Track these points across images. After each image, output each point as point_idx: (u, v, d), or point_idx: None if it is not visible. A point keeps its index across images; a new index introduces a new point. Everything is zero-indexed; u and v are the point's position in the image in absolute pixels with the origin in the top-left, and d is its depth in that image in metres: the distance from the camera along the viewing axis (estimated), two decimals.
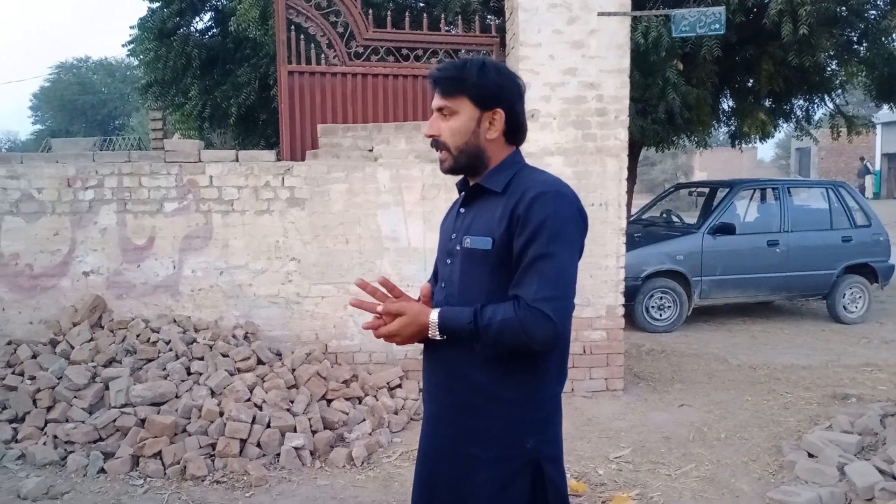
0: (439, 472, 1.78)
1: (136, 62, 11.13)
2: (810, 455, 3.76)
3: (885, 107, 10.84)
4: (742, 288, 7.76)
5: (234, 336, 4.73)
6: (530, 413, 1.70)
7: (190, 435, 3.81)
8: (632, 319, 7.01)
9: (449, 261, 1.79)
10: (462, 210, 1.82)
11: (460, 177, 1.87)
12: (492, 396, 1.68)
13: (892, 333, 7.30)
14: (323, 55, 5.72)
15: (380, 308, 1.72)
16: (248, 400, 4.06)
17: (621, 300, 5.19)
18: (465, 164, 1.75)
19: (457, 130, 1.73)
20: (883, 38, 8.57)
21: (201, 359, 4.40)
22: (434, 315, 1.65)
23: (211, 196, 5.15)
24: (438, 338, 1.66)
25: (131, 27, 9.85)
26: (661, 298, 7.48)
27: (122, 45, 11.58)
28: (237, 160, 5.20)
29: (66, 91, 37.59)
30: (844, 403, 4.87)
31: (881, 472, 3.29)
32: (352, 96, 5.79)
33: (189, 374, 4.28)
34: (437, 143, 1.75)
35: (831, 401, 4.96)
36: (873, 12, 8.74)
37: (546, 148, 5.07)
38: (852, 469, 3.36)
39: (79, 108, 37.18)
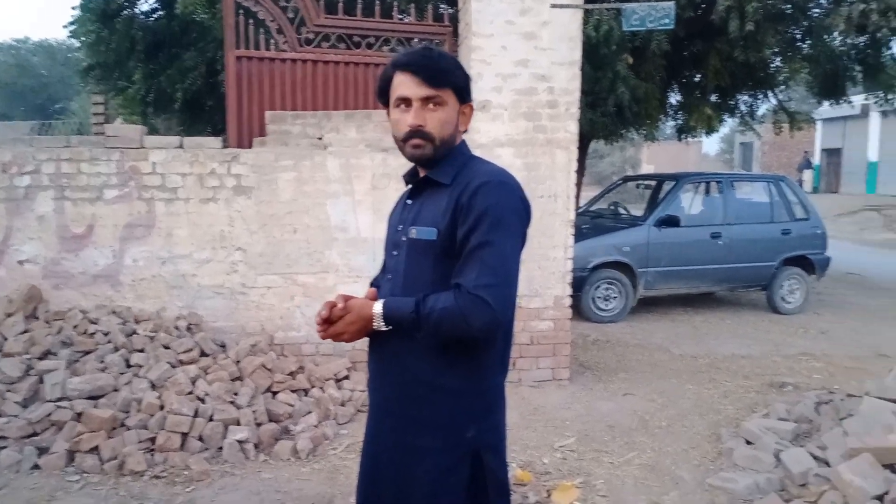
0: (382, 462, 1.79)
1: (78, 44, 10.76)
2: (748, 442, 3.87)
3: (826, 103, 11.18)
4: (686, 279, 7.94)
5: (176, 327, 4.63)
6: (472, 402, 1.71)
7: (129, 429, 3.71)
8: (578, 310, 7.11)
9: (395, 252, 1.79)
10: (409, 201, 1.82)
11: (409, 167, 1.86)
12: (435, 386, 1.69)
13: (829, 324, 7.57)
14: (272, 41, 5.60)
15: (323, 311, 1.69)
16: (191, 393, 3.98)
17: (568, 291, 5.25)
18: (442, 155, 1.74)
19: (445, 121, 1.72)
20: (825, 36, 8.83)
21: (142, 351, 4.29)
22: (378, 306, 1.65)
23: (154, 183, 5.01)
24: (383, 328, 1.65)
25: (73, 8, 9.50)
26: (608, 289, 7.60)
27: (64, 27, 11.18)
28: (182, 147, 5.07)
29: (4, 73, 36.07)
30: (781, 392, 5.03)
31: (815, 458, 3.41)
32: (301, 83, 5.70)
33: (129, 366, 4.17)
34: (419, 134, 1.70)
35: (769, 389, 5.12)
36: (816, 10, 9.00)
37: (497, 139, 5.08)
38: (788, 456, 3.47)
39: (17, 91, 35.73)
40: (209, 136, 6.82)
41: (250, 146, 5.25)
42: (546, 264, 5.09)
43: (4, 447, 3.61)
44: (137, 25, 9.59)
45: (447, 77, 1.70)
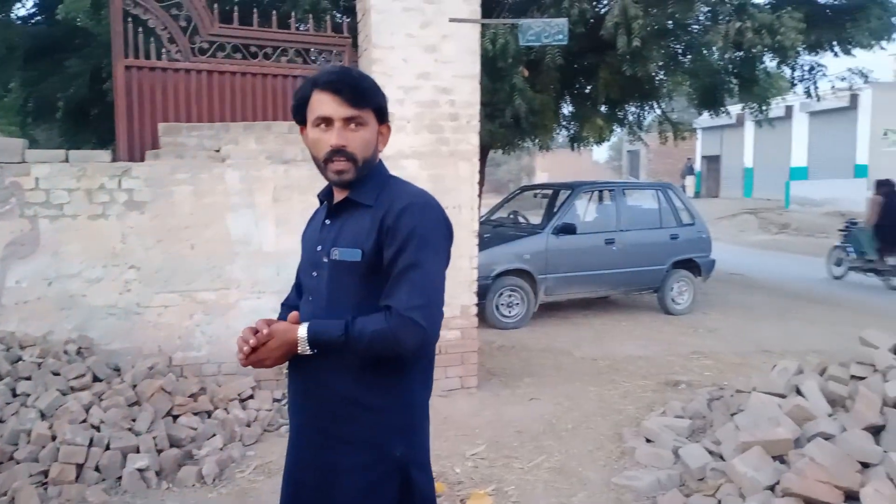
0: (306, 482, 1.77)
1: None
2: (648, 440, 4.06)
3: (706, 113, 11.91)
4: (583, 284, 8.23)
5: (66, 352, 4.35)
6: (398, 419, 1.72)
7: (18, 462, 3.46)
8: (483, 317, 7.22)
9: (315, 273, 1.77)
10: (328, 221, 1.80)
11: (315, 180, 1.84)
12: (360, 405, 1.69)
13: (716, 322, 8.05)
14: (164, 50, 5.40)
15: (252, 341, 1.64)
16: (85, 421, 3.75)
17: (475, 300, 5.34)
18: (363, 175, 1.73)
19: (368, 142, 1.72)
20: (705, 51, 9.41)
21: (28, 378, 4.01)
22: (303, 330, 1.63)
23: (37, 199, 4.71)
24: (309, 352, 1.63)
25: None
26: (510, 296, 7.78)
27: None
28: (67, 160, 4.79)
29: None
30: (676, 390, 5.30)
31: (710, 453, 3.61)
32: (196, 94, 5.53)
33: (15, 395, 3.89)
34: (342, 154, 1.68)
35: (665, 388, 5.38)
36: (696, 27, 9.58)
37: (401, 151, 5.10)
38: (685, 452, 3.67)
39: None
40: (94, 148, 6.50)
41: (142, 159, 5.04)
42: (453, 274, 5.11)
43: None
44: (15, 30, 8.98)
45: (369, 97, 1.71)
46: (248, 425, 4.30)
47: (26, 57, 9.16)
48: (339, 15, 9.22)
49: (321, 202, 1.89)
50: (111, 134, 10.09)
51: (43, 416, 3.75)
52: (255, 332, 1.66)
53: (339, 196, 1.79)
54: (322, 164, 1.72)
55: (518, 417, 4.73)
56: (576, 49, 9.04)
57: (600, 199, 9.37)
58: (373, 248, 1.65)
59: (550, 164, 33.14)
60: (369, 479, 1.69)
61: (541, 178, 33.72)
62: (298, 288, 1.95)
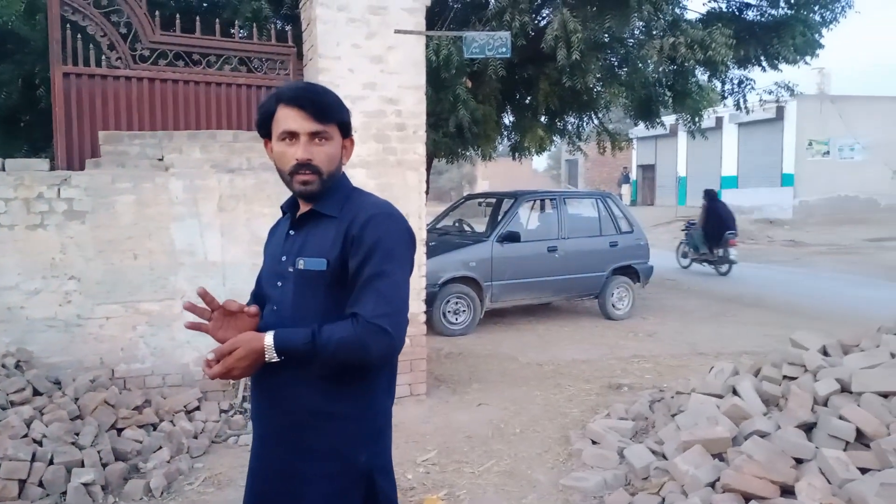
0: (269, 491, 1.79)
1: None
2: (594, 442, 4.19)
3: (641, 124, 12.30)
4: (528, 291, 8.40)
5: (3, 365, 4.22)
6: (363, 427, 1.76)
7: None
8: (430, 324, 7.29)
9: (280, 283, 1.79)
10: (292, 232, 1.83)
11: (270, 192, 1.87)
12: (325, 414, 1.72)
13: (654, 326, 8.32)
14: (104, 57, 5.30)
15: (209, 355, 1.67)
16: (26, 436, 3.65)
17: (423, 307, 5.39)
18: (328, 189, 1.77)
19: (332, 156, 1.76)
20: (640, 64, 9.75)
21: None
22: (269, 338, 1.64)
23: None
24: (275, 360, 1.64)
25: None
26: (457, 303, 7.87)
27: None
28: (3, 169, 4.65)
29: None
30: (619, 392, 5.47)
31: (654, 452, 3.75)
32: (138, 102, 5.44)
33: None
34: (307, 168, 1.72)
35: (608, 391, 5.54)
36: (632, 41, 9.91)
37: (349, 161, 5.12)
38: (630, 452, 3.80)
39: None
40: (27, 156, 6.30)
41: (82, 168, 4.93)
42: None
43: None
44: None
45: (333, 113, 1.75)
46: (196, 437, 4.25)
47: None
48: (280, 23, 9.19)
49: (284, 213, 1.93)
50: (44, 141, 9.81)
51: None
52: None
53: (303, 208, 1.82)
54: (288, 177, 1.76)
55: (467, 423, 4.80)
56: (516, 61, 9.24)
57: (542, 207, 9.58)
58: (338, 258, 1.70)
59: (492, 172, 33.51)
60: (334, 487, 1.72)
61: (482, 186, 34.06)
62: (257, 298, 1.96)
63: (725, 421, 3.66)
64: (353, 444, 1.73)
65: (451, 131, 9.08)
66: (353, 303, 1.66)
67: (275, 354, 1.64)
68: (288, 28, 8.56)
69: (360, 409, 1.75)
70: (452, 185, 35.50)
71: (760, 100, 11.41)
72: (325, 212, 1.77)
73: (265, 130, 1.80)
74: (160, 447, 3.99)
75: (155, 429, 4.19)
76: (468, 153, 12.95)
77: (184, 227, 4.98)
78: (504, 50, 5.74)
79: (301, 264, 1.74)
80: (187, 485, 3.76)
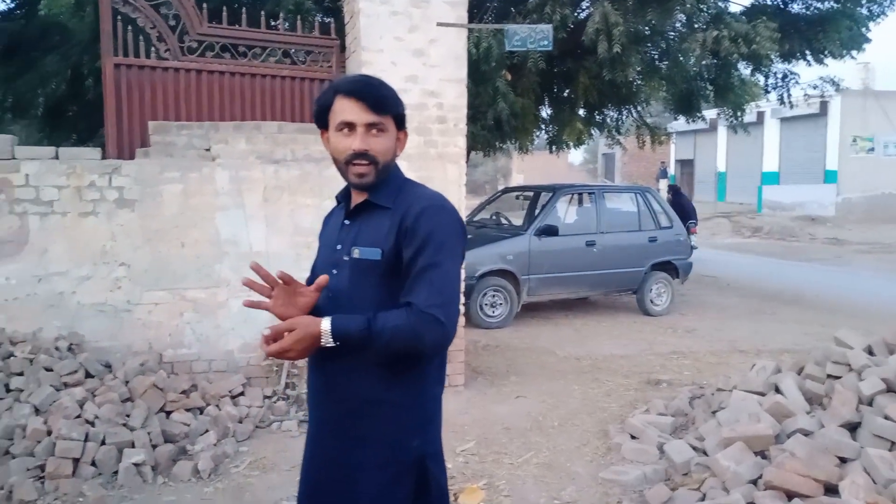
0: (324, 477, 1.83)
1: None
2: (633, 437, 4.18)
3: (682, 118, 12.14)
4: (565, 285, 8.37)
5: (57, 348, 4.36)
6: (415, 415, 1.79)
7: (14, 457, 3.48)
8: (467, 317, 7.32)
9: (335, 271, 1.83)
10: (346, 222, 1.87)
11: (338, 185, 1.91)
12: (377, 401, 1.75)
13: (693, 323, 8.23)
14: (153, 49, 5.41)
15: (266, 331, 1.72)
16: (79, 416, 3.77)
17: (462, 299, 5.42)
18: (382, 179, 1.80)
19: (388, 148, 1.80)
20: (681, 58, 9.62)
21: (21, 374, 4.02)
22: (326, 323, 1.67)
23: (26, 196, 4.70)
24: (331, 345, 1.68)
25: None
26: (494, 296, 7.88)
27: None
28: (57, 158, 4.79)
29: None
30: (657, 388, 5.44)
31: (694, 448, 3.74)
32: (185, 93, 5.54)
33: (8, 391, 3.90)
34: (364, 158, 1.76)
35: (646, 386, 5.52)
36: (673, 34, 9.78)
37: None
38: (670, 447, 3.79)
39: None
40: (73, 145, 6.46)
41: (131, 157, 5.04)
42: None
43: None
44: None
45: (390, 105, 1.79)
46: (241, 422, 4.34)
47: (2, 54, 9.05)
48: (322, 16, 9.26)
49: (338, 202, 1.96)
50: (90, 131, 10.05)
51: (37, 411, 3.76)
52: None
53: (357, 198, 1.86)
54: (344, 167, 1.80)
55: (505, 415, 4.83)
56: (556, 54, 9.19)
57: (581, 201, 9.53)
58: (392, 248, 1.73)
59: (527, 166, 33.35)
60: (387, 475, 1.75)
61: (517, 180, 33.91)
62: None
63: (768, 418, 3.63)
64: (404, 432, 1.77)
65: (490, 124, 9.07)
66: (406, 292, 1.69)
67: (331, 339, 1.67)
68: (330, 21, 8.64)
69: (412, 397, 1.78)
70: (487, 178, 35.43)
71: (805, 95, 11.18)
72: (379, 202, 1.80)
73: (322, 121, 1.84)
74: (206, 431, 4.09)
75: (201, 413, 4.29)
76: (505, 146, 12.94)
77: (229, 216, 5.07)
78: (546, 43, 5.72)
79: (356, 253, 1.78)
80: (233, 468, 3.85)
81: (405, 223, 1.73)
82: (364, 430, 1.76)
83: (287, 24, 6.25)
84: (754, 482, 3.23)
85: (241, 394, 4.66)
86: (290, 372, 4.85)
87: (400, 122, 1.85)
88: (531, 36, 5.78)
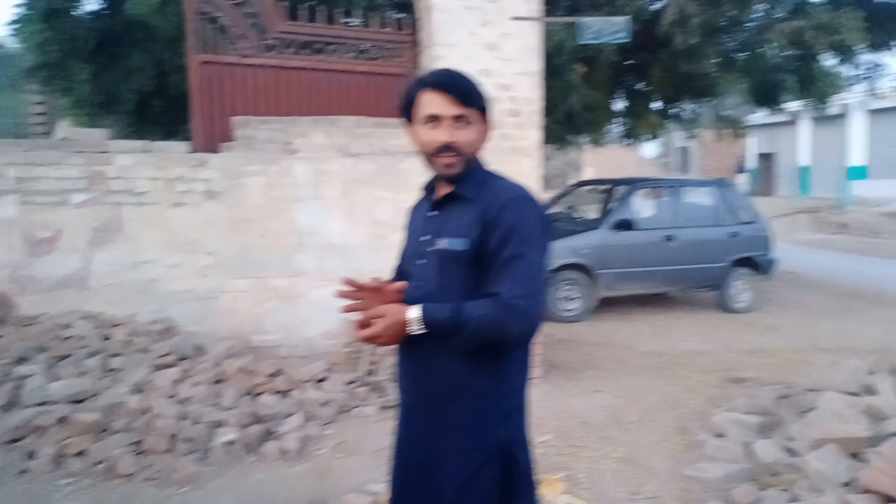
0: (412, 461, 1.87)
1: (22, 44, 10.42)
2: (716, 434, 4.08)
3: (760, 110, 11.73)
4: (642, 280, 8.22)
5: (150, 332, 4.57)
6: (499, 402, 1.82)
7: (114, 433, 3.67)
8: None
9: (424, 261, 1.87)
10: (432, 213, 1.90)
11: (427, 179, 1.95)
12: (463, 388, 1.79)
13: (776, 320, 7.96)
14: (233, 46, 5.58)
15: (358, 317, 1.78)
16: (173, 396, 3.96)
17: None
18: (467, 171, 1.84)
19: (474, 140, 1.84)
20: (760, 49, 9.30)
21: (118, 355, 4.23)
22: (416, 311, 1.73)
23: (120, 188, 4.93)
24: (419, 331, 1.73)
25: (17, 6, 9.17)
26: (569, 290, 7.82)
27: (7, 25, 10.77)
28: (147, 151, 5.01)
29: None
30: (740, 386, 5.28)
31: (783, 448, 3.62)
32: (265, 89, 5.70)
33: (108, 371, 4.11)
34: (449, 150, 1.79)
35: (727, 384, 5.37)
36: (751, 24, 9.47)
37: None
38: (758, 447, 3.67)
39: None
40: (158, 139, 6.73)
41: (215, 151, 5.22)
42: None
43: None
44: (84, 25, 9.32)
45: (475, 97, 1.82)
46: (324, 406, 4.45)
47: (91, 52, 9.48)
48: (394, 12, 9.36)
49: (424, 193, 2.00)
50: (174, 126, 10.44)
51: (135, 390, 3.95)
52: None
53: (442, 189, 1.89)
54: (430, 159, 1.84)
55: (582, 409, 4.79)
56: (629, 46, 9.03)
57: (658, 195, 9.31)
58: (477, 239, 1.76)
59: (598, 159, 32.86)
60: (474, 461, 1.78)
61: (588, 173, 33.47)
62: (399, 273, 2.05)
63: (862, 420, 3.49)
64: (489, 420, 1.80)
65: (561, 117, 8.99)
66: (492, 282, 1.72)
67: (419, 326, 1.72)
68: (402, 16, 8.73)
69: (497, 385, 1.81)
70: (556, 171, 35.08)
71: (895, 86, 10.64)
72: (463, 193, 1.83)
73: (407, 114, 1.88)
74: (291, 413, 4.21)
75: (286, 396, 4.41)
76: (576, 140, 12.81)
77: (308, 208, 5.20)
78: (622, 35, 5.64)
79: (442, 244, 1.81)
80: (318, 450, 3.96)
81: (489, 214, 1.75)
82: (450, 416, 1.80)
83: (359, 20, 6.36)
84: (847, 484, 3.11)
85: (323, 379, 4.77)
86: (370, 359, 4.93)
87: (485, 115, 1.87)
88: (606, 28, 5.71)
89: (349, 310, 1.87)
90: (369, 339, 1.78)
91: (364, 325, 1.79)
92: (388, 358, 4.88)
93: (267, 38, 5.66)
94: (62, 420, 3.68)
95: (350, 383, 4.75)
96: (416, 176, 5.19)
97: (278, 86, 5.73)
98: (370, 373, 4.85)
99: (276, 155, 5.17)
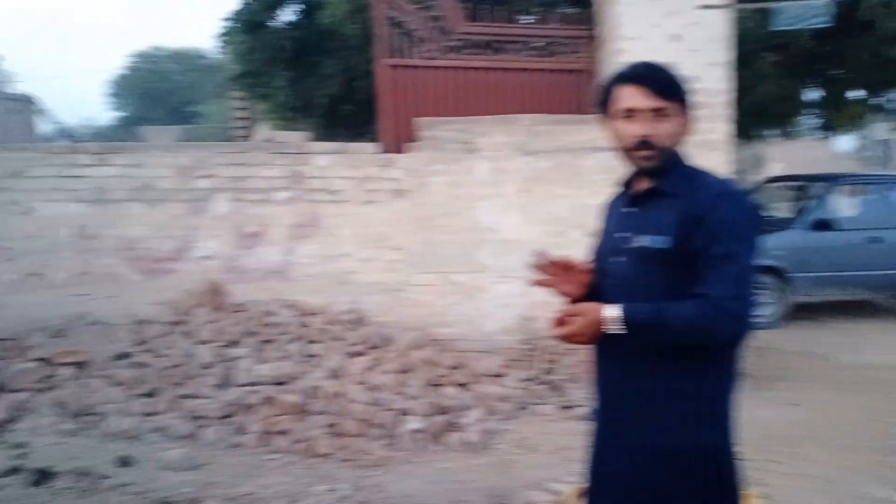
0: (610, 462, 1.84)
1: (218, 52, 11.60)
2: None
3: None
4: (843, 285, 7.53)
5: (344, 321, 4.89)
6: (704, 406, 1.74)
7: (313, 414, 3.98)
8: None
9: (621, 258, 1.81)
10: (631, 209, 1.85)
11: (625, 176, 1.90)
12: (664, 390, 1.73)
13: None
14: (417, 49, 5.78)
15: (556, 314, 1.78)
16: (364, 383, 4.21)
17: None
18: (667, 166, 1.78)
19: (672, 133, 1.77)
20: None
21: (316, 342, 4.57)
22: (615, 310, 1.69)
23: (318, 186, 5.32)
24: (617, 332, 1.69)
25: (224, 19, 10.19)
26: (761, 294, 7.31)
27: (215, 37, 12.00)
28: (341, 152, 5.35)
29: (144, 79, 39.04)
30: None
31: None
32: (446, 90, 5.86)
33: (306, 356, 4.46)
34: (646, 144, 1.74)
35: None
36: None
37: None
38: None
39: (155, 95, 38.47)
40: (347, 141, 7.16)
41: (400, 151, 5.46)
42: None
43: (203, 426, 3.95)
44: (282, 35, 10.14)
45: (673, 89, 1.75)
46: (503, 401, 4.52)
47: (289, 60, 10.29)
48: (570, 7, 9.27)
49: (620, 190, 1.94)
50: (360, 128, 11.07)
51: (331, 375, 4.25)
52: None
53: (641, 185, 1.83)
54: (626, 154, 1.79)
55: (774, 421, 4.49)
56: (826, 31, 8.32)
57: (861, 192, 8.47)
58: (680, 237, 1.68)
59: (785, 154, 30.50)
60: (675, 464, 1.72)
61: (775, 169, 31.20)
62: (598, 271, 2.01)
63: None
64: (691, 424, 1.72)
65: (749, 109, 8.46)
66: (700, 283, 1.64)
67: (618, 326, 1.68)
68: (579, 12, 8.63)
69: (702, 389, 1.73)
70: (741, 166, 33.01)
71: None
72: (666, 189, 1.76)
73: (603, 109, 1.84)
74: (471, 406, 4.33)
75: (466, 389, 4.54)
76: (763, 133, 12.00)
77: (488, 206, 5.30)
78: (823, 19, 5.24)
79: (642, 241, 1.74)
80: (498, 444, 4.03)
81: (695, 211, 1.67)
82: (652, 418, 1.75)
83: (534, 17, 6.36)
84: None
85: (500, 375, 4.85)
86: (547, 358, 4.95)
87: (685, 107, 1.79)
88: (804, 13, 5.34)
89: (537, 284, 1.88)
90: (566, 338, 1.78)
91: (560, 322, 1.79)
92: (565, 358, 4.87)
93: (449, 40, 5.83)
94: (268, 400, 4.04)
95: (527, 380, 4.79)
96: (594, 173, 5.14)
97: (459, 86, 5.88)
98: (547, 371, 4.86)
99: (459, 154, 5.32)
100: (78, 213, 5.21)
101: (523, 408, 4.57)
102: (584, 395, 4.56)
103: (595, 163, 5.15)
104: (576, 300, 1.87)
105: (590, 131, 5.25)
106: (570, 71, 5.91)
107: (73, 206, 5.21)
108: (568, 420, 4.34)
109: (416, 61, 5.82)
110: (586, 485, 1.95)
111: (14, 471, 3.42)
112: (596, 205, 2.09)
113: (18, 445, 3.73)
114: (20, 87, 37.66)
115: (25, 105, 19.67)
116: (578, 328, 1.73)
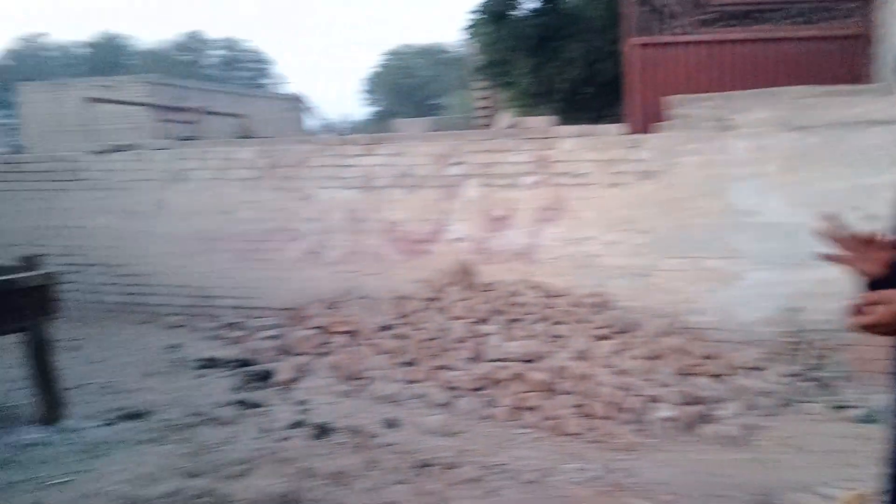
0: None
1: (472, 45, 12.08)
2: None
3: None
4: None
5: (588, 304, 4.89)
6: None
7: (560, 393, 4.04)
8: None
9: None
10: None
11: None
12: None
13: None
14: (667, 26, 5.58)
15: (856, 300, 1.60)
16: (610, 366, 4.18)
17: None
18: None
19: None
20: None
21: (561, 323, 4.63)
22: None
23: (562, 170, 5.35)
24: None
25: (471, 12, 10.60)
26: None
27: (461, 30, 12.57)
28: (585, 135, 5.32)
29: (394, 75, 42.09)
30: None
31: None
32: (697, 66, 5.59)
33: (552, 336, 4.53)
34: None
35: None
36: None
37: None
38: None
39: (404, 90, 41.26)
40: (595, 124, 7.09)
41: (646, 131, 5.29)
42: None
43: (456, 396, 4.20)
44: (525, 23, 10.32)
45: None
46: (763, 395, 4.23)
47: (532, 47, 10.43)
48: None
49: None
50: (600, 110, 10.93)
51: (577, 356, 4.28)
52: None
53: None
54: None
55: None
56: None
57: None
58: None
59: None
60: None
61: None
62: None
63: None
64: None
65: None
66: None
67: None
68: None
69: None
70: None
71: None
72: None
73: None
74: (726, 399, 4.10)
75: (720, 380, 4.31)
76: None
77: (745, 187, 4.96)
78: None
79: None
80: (758, 441, 3.76)
81: None
82: None
83: None
84: None
85: (760, 368, 4.53)
86: (815, 353, 4.54)
87: None
88: None
89: (829, 259, 1.70)
90: (867, 329, 1.60)
91: (859, 311, 1.61)
92: (837, 353, 4.42)
93: (702, 14, 5.54)
94: (517, 376, 4.17)
95: (791, 376, 4.43)
96: (874, 149, 4.57)
97: (713, 61, 5.59)
98: (815, 367, 4.45)
99: (712, 132, 5.04)
100: (348, 198, 5.78)
101: (787, 405, 4.23)
102: (860, 395, 4.12)
103: (876, 138, 4.59)
104: (874, 283, 1.68)
105: (868, 103, 4.69)
106: (842, 37, 5.33)
107: (345, 192, 5.79)
108: (840, 421, 3.94)
109: (666, 38, 5.64)
110: (882, 494, 1.76)
111: (298, 424, 3.89)
112: (879, 185, 1.85)
113: (301, 402, 4.25)
114: (290, 88, 42.53)
115: (295, 104, 22.07)
116: (881, 317, 1.51)
